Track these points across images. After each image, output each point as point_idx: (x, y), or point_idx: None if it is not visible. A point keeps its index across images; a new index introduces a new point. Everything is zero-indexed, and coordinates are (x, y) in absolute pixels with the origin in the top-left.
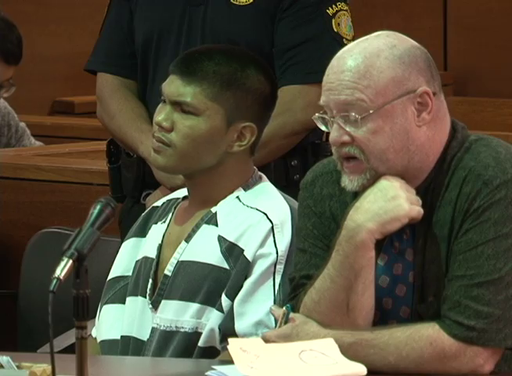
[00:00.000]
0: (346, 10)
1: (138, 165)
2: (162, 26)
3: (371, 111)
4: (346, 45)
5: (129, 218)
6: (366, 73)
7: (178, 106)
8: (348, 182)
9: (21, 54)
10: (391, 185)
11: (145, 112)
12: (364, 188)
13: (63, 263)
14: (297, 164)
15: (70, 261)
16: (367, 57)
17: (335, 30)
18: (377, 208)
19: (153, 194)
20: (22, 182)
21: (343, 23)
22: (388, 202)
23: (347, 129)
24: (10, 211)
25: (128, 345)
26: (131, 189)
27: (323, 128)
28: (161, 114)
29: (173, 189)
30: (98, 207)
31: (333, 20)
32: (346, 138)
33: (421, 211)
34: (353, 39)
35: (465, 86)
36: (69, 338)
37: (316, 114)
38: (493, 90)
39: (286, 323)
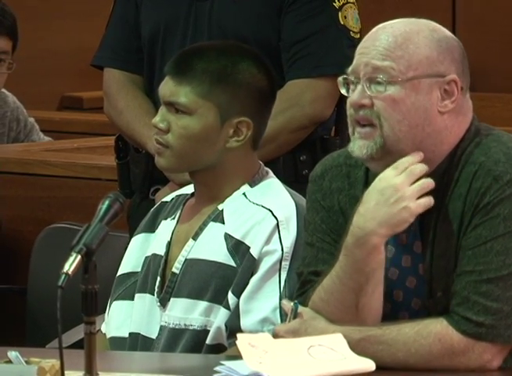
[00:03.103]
0: (353, 3)
1: (147, 161)
2: (168, 20)
3: (399, 79)
4: (353, 37)
5: (138, 214)
6: (403, 44)
7: (172, 106)
8: (357, 148)
9: (15, 30)
10: (390, 185)
11: (152, 108)
12: (371, 159)
13: (71, 258)
14: (306, 159)
15: (79, 256)
16: (407, 31)
17: (342, 22)
18: (383, 214)
19: (162, 190)
20: (30, 178)
21: (349, 15)
22: (392, 207)
23: (369, 93)
24: (19, 207)
25: (137, 343)
26: (139, 185)
27: (343, 91)
28: (158, 116)
29: (182, 185)
30: (106, 202)
31: (340, 13)
32: (366, 101)
33: (430, 201)
34: (360, 32)
35: (473, 81)
36: (77, 333)
37: (341, 77)
38: (502, 86)
39: (294, 318)
